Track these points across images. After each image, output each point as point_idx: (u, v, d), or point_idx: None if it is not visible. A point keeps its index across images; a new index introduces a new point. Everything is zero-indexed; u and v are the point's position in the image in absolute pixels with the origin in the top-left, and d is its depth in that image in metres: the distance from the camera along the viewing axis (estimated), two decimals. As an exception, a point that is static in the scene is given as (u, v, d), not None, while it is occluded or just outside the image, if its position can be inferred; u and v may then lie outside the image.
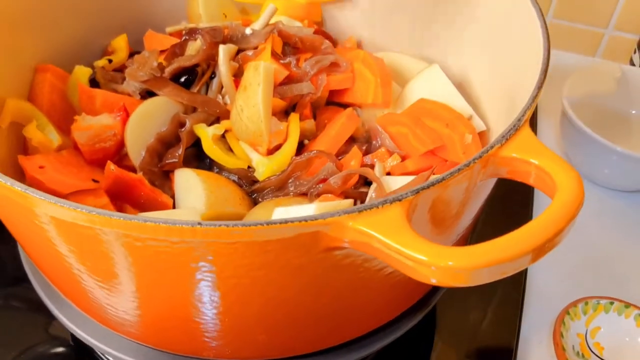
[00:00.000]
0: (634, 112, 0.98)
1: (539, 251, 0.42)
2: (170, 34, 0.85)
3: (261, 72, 0.67)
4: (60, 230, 0.48)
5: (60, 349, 0.74)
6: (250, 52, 0.74)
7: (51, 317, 0.69)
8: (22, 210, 0.48)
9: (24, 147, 0.72)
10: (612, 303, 0.76)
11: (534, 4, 0.62)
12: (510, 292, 0.81)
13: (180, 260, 0.47)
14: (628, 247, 0.88)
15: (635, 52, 1.02)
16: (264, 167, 0.68)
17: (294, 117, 0.70)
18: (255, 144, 0.69)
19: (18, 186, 0.45)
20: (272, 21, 0.79)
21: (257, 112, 0.67)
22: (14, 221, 0.56)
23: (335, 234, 0.44)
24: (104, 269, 0.51)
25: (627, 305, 0.76)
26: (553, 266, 0.85)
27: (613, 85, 0.97)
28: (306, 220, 0.43)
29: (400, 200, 0.44)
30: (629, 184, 0.93)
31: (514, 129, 0.49)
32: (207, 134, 0.70)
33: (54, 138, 0.71)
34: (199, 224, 0.43)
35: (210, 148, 0.70)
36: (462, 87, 0.75)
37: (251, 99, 0.68)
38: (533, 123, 1.01)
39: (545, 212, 0.43)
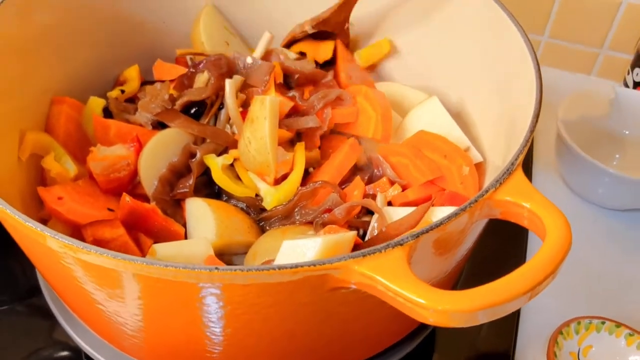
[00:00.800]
0: (627, 132, 1.02)
1: (531, 294, 0.45)
2: (179, 59, 0.89)
3: (267, 105, 0.71)
4: (85, 269, 0.51)
5: (64, 353, 0.76)
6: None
7: (55, 322, 0.73)
8: (48, 252, 0.51)
9: (42, 176, 0.76)
10: (603, 323, 0.79)
11: (527, 45, 0.65)
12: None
13: (198, 298, 0.50)
14: (621, 265, 0.91)
15: (628, 73, 1.06)
16: (271, 197, 0.71)
17: (299, 147, 0.74)
18: (262, 174, 0.73)
19: (48, 232, 0.49)
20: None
21: (264, 144, 0.71)
22: (38, 257, 0.59)
23: (342, 276, 0.48)
24: (124, 303, 0.55)
25: (618, 325, 0.79)
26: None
27: (607, 107, 1.00)
28: (315, 265, 0.46)
29: (401, 244, 0.48)
30: (621, 203, 0.96)
31: (507, 173, 0.53)
32: (217, 164, 0.73)
33: (71, 168, 0.75)
34: (216, 268, 0.46)
35: (220, 177, 0.73)
36: (460, 117, 0.78)
37: (258, 132, 0.71)
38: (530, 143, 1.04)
39: (536, 257, 0.47)
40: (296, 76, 0.79)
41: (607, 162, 0.90)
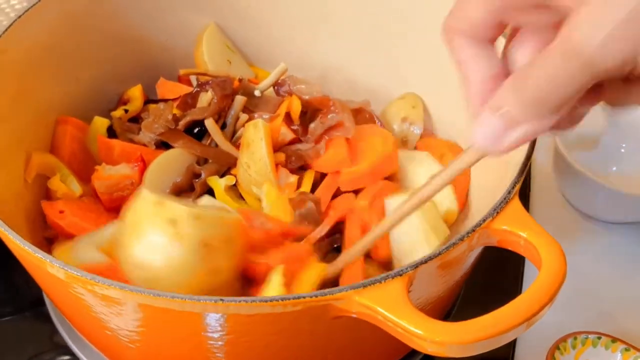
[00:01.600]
0: (624, 145, 1.03)
1: (527, 324, 0.47)
2: (182, 77, 0.90)
3: (261, 127, 0.73)
4: (94, 297, 0.53)
5: (65, 358, 0.76)
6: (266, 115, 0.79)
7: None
8: (58, 282, 0.53)
9: (46, 194, 0.77)
10: (599, 338, 0.80)
11: None
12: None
13: (202, 325, 0.51)
14: (618, 279, 0.91)
15: (625, 87, 1.07)
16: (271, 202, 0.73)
17: (309, 173, 0.75)
18: None
19: (58, 264, 0.50)
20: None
21: (264, 164, 0.72)
22: (47, 285, 0.61)
23: (343, 306, 0.49)
24: (131, 328, 0.56)
25: (614, 340, 0.80)
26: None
27: (604, 122, 1.02)
28: (317, 296, 0.48)
29: (400, 275, 0.49)
30: (619, 217, 0.97)
31: (504, 201, 0.54)
32: (220, 186, 0.75)
33: (76, 189, 0.76)
34: (221, 299, 0.48)
35: (223, 198, 0.74)
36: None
37: (256, 154, 0.73)
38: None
39: (531, 288, 0.48)
40: (304, 100, 0.79)
41: (605, 174, 0.92)
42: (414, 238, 0.67)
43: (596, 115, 1.00)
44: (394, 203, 0.68)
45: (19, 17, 0.72)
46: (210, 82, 0.81)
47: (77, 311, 0.62)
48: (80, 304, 0.55)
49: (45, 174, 0.77)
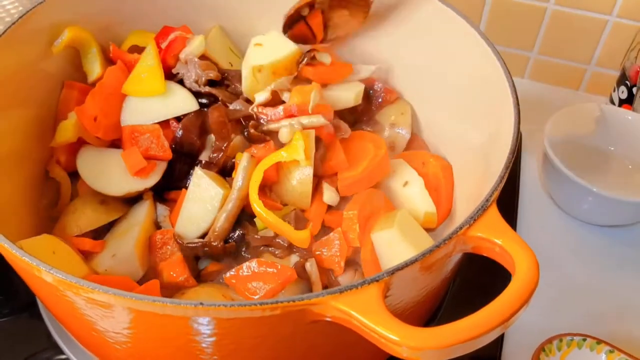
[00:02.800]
0: (612, 148, 1.04)
1: (503, 327, 0.48)
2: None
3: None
4: (81, 300, 0.54)
5: (61, 357, 0.78)
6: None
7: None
8: (50, 288, 0.54)
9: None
10: (584, 339, 0.82)
11: (510, 85, 0.67)
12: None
13: (185, 329, 0.53)
14: (604, 281, 0.93)
15: (614, 90, 1.08)
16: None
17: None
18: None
19: (44, 266, 0.51)
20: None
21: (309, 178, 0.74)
22: (37, 287, 0.62)
23: (319, 310, 0.50)
24: (117, 330, 0.57)
25: (599, 341, 0.81)
26: (532, 300, 0.90)
27: (592, 124, 1.03)
28: (294, 301, 0.49)
29: (377, 280, 0.50)
30: (606, 220, 0.98)
31: (482, 209, 0.55)
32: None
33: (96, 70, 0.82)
34: (201, 304, 0.49)
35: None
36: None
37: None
38: (517, 158, 1.07)
39: (504, 293, 0.49)
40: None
41: (593, 177, 0.93)
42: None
43: (585, 118, 1.02)
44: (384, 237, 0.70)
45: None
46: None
47: (66, 313, 0.63)
48: (69, 306, 0.57)
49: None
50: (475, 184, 0.72)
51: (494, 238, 0.54)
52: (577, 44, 1.13)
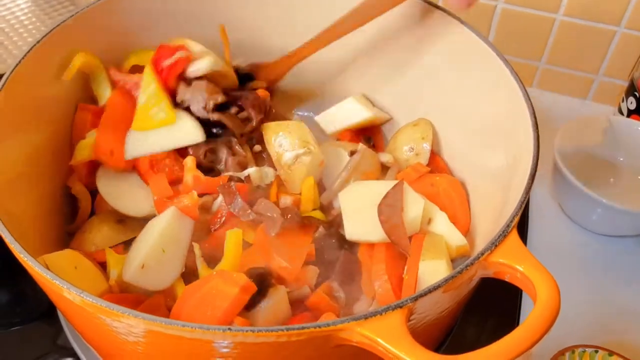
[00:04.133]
0: (621, 159, 1.05)
1: (523, 356, 0.49)
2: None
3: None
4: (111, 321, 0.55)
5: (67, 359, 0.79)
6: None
7: (59, 329, 0.78)
8: (82, 311, 0.55)
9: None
10: (596, 351, 0.83)
11: (530, 110, 0.69)
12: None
13: (209, 350, 0.54)
14: (614, 292, 0.93)
15: (623, 101, 1.09)
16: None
17: None
18: None
19: (89, 298, 0.52)
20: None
21: None
22: (69, 312, 0.63)
23: (345, 336, 0.51)
24: (141, 348, 0.58)
25: (611, 353, 0.82)
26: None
27: (602, 135, 1.04)
28: (320, 327, 0.50)
29: (401, 307, 0.51)
30: (615, 231, 1.00)
31: (503, 235, 0.56)
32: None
33: (106, 94, 0.82)
34: (229, 329, 0.50)
35: None
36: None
37: None
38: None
39: (527, 322, 0.50)
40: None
41: (602, 187, 0.94)
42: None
43: (594, 128, 1.03)
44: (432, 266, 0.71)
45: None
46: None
47: (88, 326, 0.64)
48: (92, 321, 0.57)
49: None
50: (495, 201, 0.73)
51: (515, 264, 0.54)
52: (585, 54, 1.14)
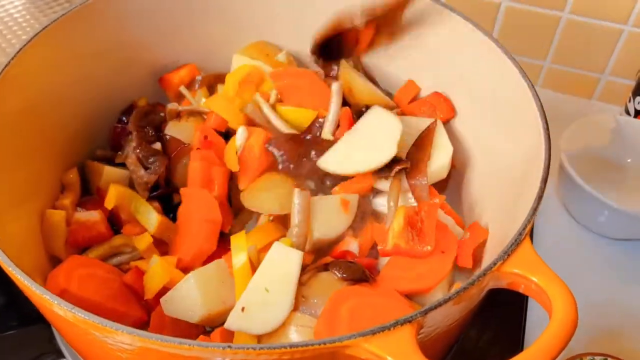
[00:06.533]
0: (629, 160, 1.03)
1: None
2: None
3: None
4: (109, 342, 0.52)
5: None
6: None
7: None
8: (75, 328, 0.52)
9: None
10: (605, 359, 0.81)
11: (542, 121, 0.67)
12: (507, 346, 0.85)
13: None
14: (622, 297, 0.91)
15: (630, 101, 1.06)
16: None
17: None
18: None
19: (82, 314, 0.50)
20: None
21: None
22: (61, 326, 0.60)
23: (351, 352, 0.49)
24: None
25: (618, 361, 0.80)
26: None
27: (608, 136, 1.01)
28: (325, 344, 0.47)
29: (410, 321, 0.49)
30: (622, 233, 0.97)
31: (515, 243, 0.53)
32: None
33: (153, 218, 0.77)
34: (229, 347, 0.47)
35: None
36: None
37: None
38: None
39: (541, 338, 0.48)
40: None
41: (609, 189, 0.92)
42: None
43: (601, 129, 1.01)
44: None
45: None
46: None
47: (82, 341, 0.62)
48: (87, 337, 0.55)
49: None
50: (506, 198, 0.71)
51: (529, 275, 0.52)
52: (591, 53, 1.12)
